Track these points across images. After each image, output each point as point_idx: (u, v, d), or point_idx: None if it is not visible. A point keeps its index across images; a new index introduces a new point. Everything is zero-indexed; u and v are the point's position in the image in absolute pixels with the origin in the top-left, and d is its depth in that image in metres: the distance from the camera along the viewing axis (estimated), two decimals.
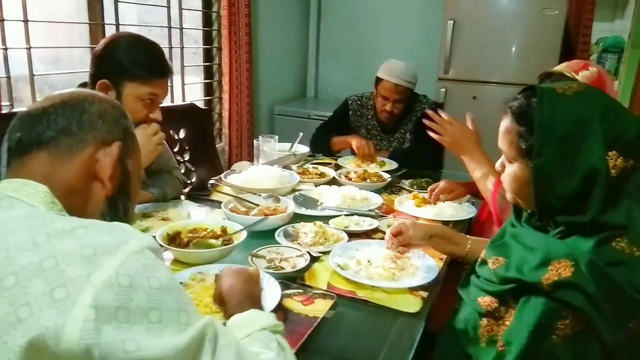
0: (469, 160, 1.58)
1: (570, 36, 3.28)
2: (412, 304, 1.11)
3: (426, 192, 1.81)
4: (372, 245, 1.37)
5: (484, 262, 1.06)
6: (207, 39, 3.22)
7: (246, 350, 0.63)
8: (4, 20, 1.90)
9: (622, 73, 3.49)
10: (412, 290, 1.17)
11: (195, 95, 3.22)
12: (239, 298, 0.84)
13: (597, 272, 0.83)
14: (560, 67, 1.53)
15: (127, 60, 1.37)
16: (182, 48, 2.92)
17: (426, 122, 1.66)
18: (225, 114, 3.20)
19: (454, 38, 3.24)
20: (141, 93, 1.40)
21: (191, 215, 1.57)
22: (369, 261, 1.27)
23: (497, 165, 1.09)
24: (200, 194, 1.78)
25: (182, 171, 2.27)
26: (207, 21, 3.19)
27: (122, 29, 2.42)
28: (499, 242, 1.08)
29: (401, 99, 2.40)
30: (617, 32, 3.66)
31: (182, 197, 1.76)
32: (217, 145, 3.26)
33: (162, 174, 1.71)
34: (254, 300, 0.84)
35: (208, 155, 2.40)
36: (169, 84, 2.81)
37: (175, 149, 2.26)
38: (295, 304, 1.08)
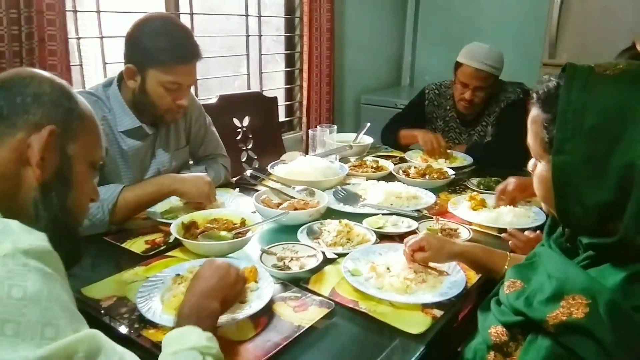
0: None
1: None
2: (417, 324, 0.96)
3: (491, 193, 1.60)
4: (399, 250, 1.22)
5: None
6: (290, 26, 3.20)
7: None
8: (77, 11, 2.04)
9: None
10: (426, 307, 1.02)
11: (277, 83, 3.24)
12: (186, 311, 0.77)
13: (619, 316, 0.63)
14: None
15: (150, 46, 1.34)
16: (259, 36, 2.93)
17: None
18: (305, 102, 3.17)
19: (561, 17, 2.83)
20: (163, 80, 1.37)
21: (226, 204, 1.55)
22: (388, 268, 1.14)
23: (530, 165, 0.89)
24: (248, 183, 1.76)
25: (244, 159, 2.29)
26: (290, 9, 3.17)
27: (195, 18, 2.50)
28: (529, 261, 0.89)
29: (482, 86, 2.12)
30: None
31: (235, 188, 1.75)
32: (295, 134, 3.26)
33: (207, 160, 1.72)
34: (201, 316, 0.77)
35: (273, 144, 2.39)
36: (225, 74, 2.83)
37: (238, 137, 2.29)
38: (286, 309, 1.00)
